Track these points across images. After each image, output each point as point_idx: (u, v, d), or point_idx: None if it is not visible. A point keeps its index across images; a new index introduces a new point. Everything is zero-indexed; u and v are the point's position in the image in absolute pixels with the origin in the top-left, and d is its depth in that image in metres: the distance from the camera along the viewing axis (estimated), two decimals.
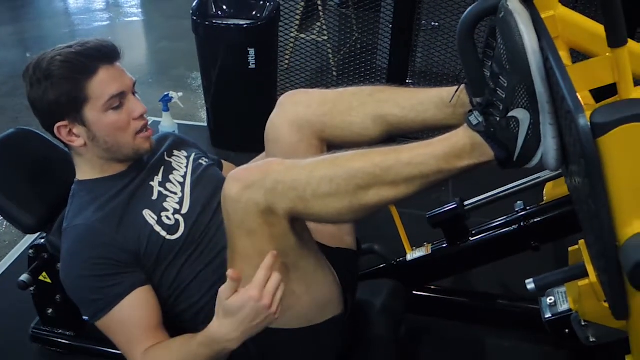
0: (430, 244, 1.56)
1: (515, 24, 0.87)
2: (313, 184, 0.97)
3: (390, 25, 2.58)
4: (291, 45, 3.08)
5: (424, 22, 2.87)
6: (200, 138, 2.74)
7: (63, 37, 4.33)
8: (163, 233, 1.19)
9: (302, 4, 3.06)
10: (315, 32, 3.23)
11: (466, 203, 1.50)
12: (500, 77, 0.93)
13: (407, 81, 2.72)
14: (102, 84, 1.15)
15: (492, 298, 1.68)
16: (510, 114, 0.92)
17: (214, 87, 2.53)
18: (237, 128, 2.60)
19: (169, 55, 4.04)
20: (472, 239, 1.50)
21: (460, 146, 0.97)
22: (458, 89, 1.16)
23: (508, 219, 1.47)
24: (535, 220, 1.41)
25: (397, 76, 2.64)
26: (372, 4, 2.84)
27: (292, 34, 3.08)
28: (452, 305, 1.67)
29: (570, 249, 1.17)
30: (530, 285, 1.17)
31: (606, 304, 1.06)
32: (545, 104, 0.88)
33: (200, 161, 1.37)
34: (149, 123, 1.26)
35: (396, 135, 1.26)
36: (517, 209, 1.47)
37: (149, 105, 1.26)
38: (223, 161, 1.53)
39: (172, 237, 1.20)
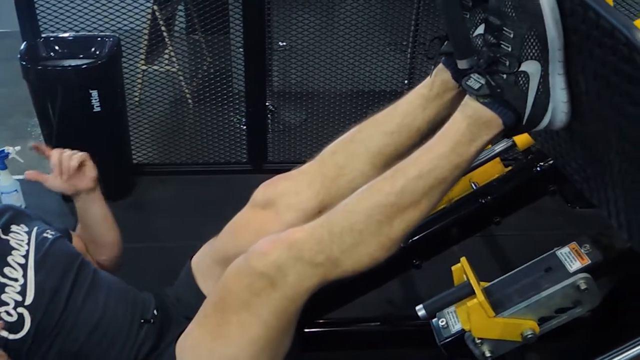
0: None
1: None
2: (336, 241, 0.89)
3: (242, 49, 2.51)
4: (140, 79, 2.90)
5: (280, 43, 2.83)
6: (48, 193, 2.47)
7: None
8: (4, 333, 1.00)
9: (146, 34, 2.89)
10: (164, 62, 3.07)
11: None
12: (504, 28, 0.84)
13: (266, 103, 2.66)
14: None
15: (385, 321, 1.65)
16: (520, 69, 0.85)
17: (56, 137, 2.29)
18: None
19: (3, 102, 3.65)
20: None
21: (463, 131, 0.89)
22: (434, 69, 1.05)
23: None
24: (415, 238, 1.39)
25: (255, 99, 2.57)
26: (220, 28, 2.74)
27: (139, 68, 2.90)
28: (345, 335, 1.61)
29: (453, 267, 1.16)
30: (421, 312, 1.16)
31: (497, 319, 1.06)
32: (557, 51, 0.82)
33: (45, 234, 1.19)
34: None
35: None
36: None
37: None
38: (72, 232, 1.34)
39: (16, 335, 1.01)
